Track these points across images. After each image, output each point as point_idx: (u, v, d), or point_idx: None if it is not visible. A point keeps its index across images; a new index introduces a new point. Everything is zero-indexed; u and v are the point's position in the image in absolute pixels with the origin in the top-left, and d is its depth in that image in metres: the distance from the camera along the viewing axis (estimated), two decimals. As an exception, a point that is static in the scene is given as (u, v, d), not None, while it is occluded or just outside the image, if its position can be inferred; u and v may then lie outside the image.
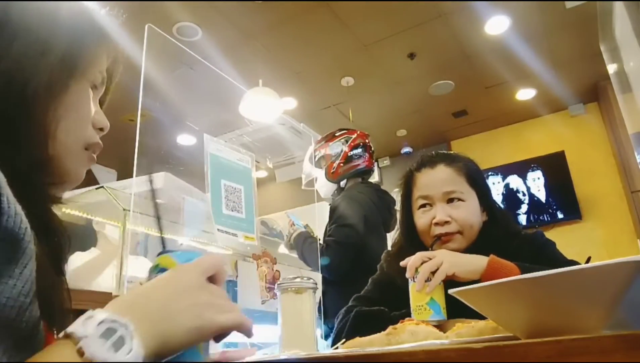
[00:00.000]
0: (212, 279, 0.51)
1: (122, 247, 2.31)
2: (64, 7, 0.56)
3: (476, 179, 1.19)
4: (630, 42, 2.36)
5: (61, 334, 0.40)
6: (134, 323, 0.41)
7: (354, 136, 2.33)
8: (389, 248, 1.35)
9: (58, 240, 0.56)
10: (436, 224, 1.13)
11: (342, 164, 2.25)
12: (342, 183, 2.27)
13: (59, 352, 0.39)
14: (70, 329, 0.40)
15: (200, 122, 4.33)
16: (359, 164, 2.26)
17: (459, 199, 1.14)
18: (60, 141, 0.55)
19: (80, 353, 0.38)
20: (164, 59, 3.53)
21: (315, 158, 2.34)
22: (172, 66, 3.69)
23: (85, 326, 0.39)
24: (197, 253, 0.54)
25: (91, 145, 0.61)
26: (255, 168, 1.44)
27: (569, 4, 3.36)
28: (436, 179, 1.17)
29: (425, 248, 1.13)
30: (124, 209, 2.39)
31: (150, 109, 3.85)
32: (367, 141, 2.34)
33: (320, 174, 2.31)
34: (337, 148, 2.30)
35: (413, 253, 1.07)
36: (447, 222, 1.12)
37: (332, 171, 2.27)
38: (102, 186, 2.42)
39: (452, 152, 1.27)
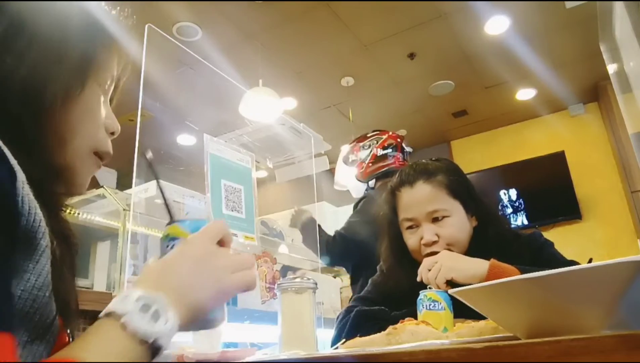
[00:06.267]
0: (220, 243, 0.55)
1: (122, 247, 2.31)
2: (76, 12, 0.56)
3: (458, 190, 1.16)
4: (630, 42, 2.36)
5: (102, 314, 0.44)
6: (166, 297, 0.46)
7: (385, 136, 2.34)
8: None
9: (69, 244, 0.56)
10: (425, 244, 1.13)
11: (370, 164, 2.27)
12: (372, 183, 2.27)
13: (104, 329, 0.43)
14: (110, 308, 0.44)
15: (200, 122, 4.33)
16: (388, 165, 2.25)
17: (444, 217, 1.13)
18: (73, 148, 0.56)
19: (123, 327, 0.42)
20: (164, 59, 3.53)
21: (348, 158, 2.38)
22: (172, 66, 3.69)
23: (124, 303, 0.44)
24: (203, 221, 0.59)
25: (102, 154, 0.61)
26: (255, 168, 1.44)
27: (569, 4, 3.36)
28: (418, 199, 1.16)
29: (417, 265, 1.09)
30: (124, 210, 2.39)
31: (150, 109, 3.85)
32: (399, 141, 2.34)
33: (351, 173, 2.34)
34: (367, 148, 2.32)
35: (404, 273, 1.11)
36: (434, 242, 1.12)
37: (361, 170, 2.29)
38: (102, 186, 2.43)
39: (430, 161, 1.23)
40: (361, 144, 2.36)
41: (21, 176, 0.43)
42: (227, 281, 0.51)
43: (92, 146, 0.59)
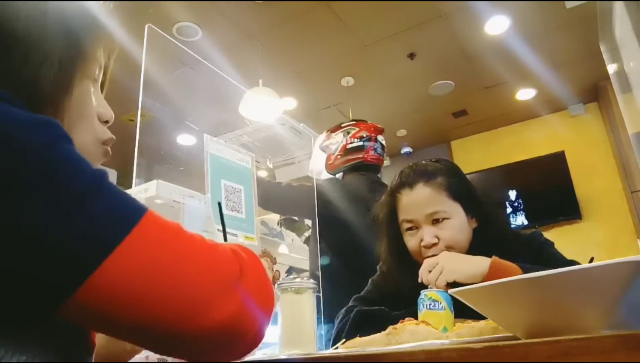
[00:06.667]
0: None
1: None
2: (55, 10, 0.53)
3: (458, 192, 1.16)
4: (630, 42, 2.36)
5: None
6: None
7: (359, 127, 2.14)
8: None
9: None
10: (424, 247, 1.13)
11: (339, 157, 2.10)
12: (339, 176, 2.12)
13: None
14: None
15: (200, 122, 4.33)
16: (356, 158, 2.08)
17: (444, 219, 1.13)
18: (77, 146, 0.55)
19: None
20: (164, 59, 3.53)
21: (323, 146, 2.21)
22: (172, 66, 3.69)
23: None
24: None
25: (105, 141, 0.60)
26: (255, 168, 1.44)
27: (569, 4, 3.36)
28: (417, 201, 1.15)
29: (418, 267, 1.08)
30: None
31: (150, 109, 3.85)
32: (374, 133, 2.14)
33: (322, 164, 2.19)
34: (338, 139, 2.14)
35: (404, 274, 1.13)
36: (434, 244, 1.12)
37: (329, 162, 2.13)
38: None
39: (430, 163, 1.22)
40: (333, 134, 2.18)
41: None
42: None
43: (96, 139, 0.58)
